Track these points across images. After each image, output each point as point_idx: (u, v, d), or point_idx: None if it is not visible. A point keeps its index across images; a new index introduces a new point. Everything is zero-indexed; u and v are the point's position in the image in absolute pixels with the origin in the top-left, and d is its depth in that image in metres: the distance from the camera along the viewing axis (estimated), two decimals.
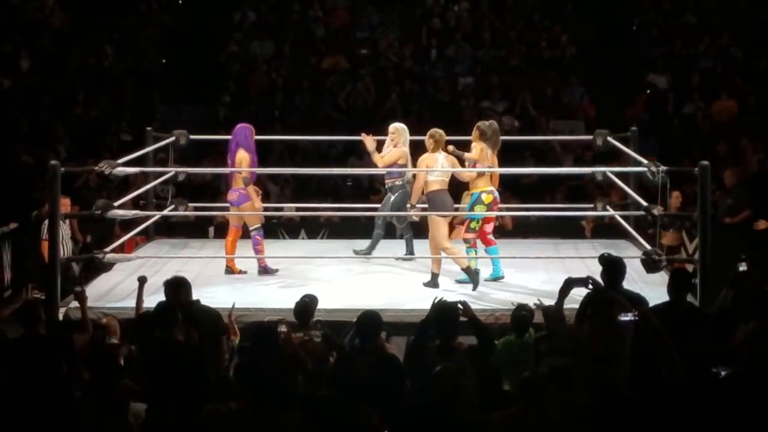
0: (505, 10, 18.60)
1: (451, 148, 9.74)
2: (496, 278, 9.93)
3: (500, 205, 10.20)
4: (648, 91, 16.95)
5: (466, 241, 9.77)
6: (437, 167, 9.61)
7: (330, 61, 17.65)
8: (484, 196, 9.67)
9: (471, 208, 9.74)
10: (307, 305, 7.77)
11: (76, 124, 15.97)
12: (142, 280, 8.19)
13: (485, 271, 9.90)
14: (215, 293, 9.23)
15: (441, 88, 17.13)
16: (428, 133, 9.80)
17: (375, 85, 17.16)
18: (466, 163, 9.77)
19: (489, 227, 9.96)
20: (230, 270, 10.17)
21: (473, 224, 9.77)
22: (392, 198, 10.30)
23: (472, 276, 9.55)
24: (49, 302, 8.68)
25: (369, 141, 10.30)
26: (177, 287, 7.57)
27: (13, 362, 6.88)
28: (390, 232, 10.94)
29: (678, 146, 15.36)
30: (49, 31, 17.46)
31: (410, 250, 10.65)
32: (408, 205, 10.09)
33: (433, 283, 9.64)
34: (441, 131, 9.81)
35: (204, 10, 18.57)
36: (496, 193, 9.78)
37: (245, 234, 10.18)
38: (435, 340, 6.79)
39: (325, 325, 7.92)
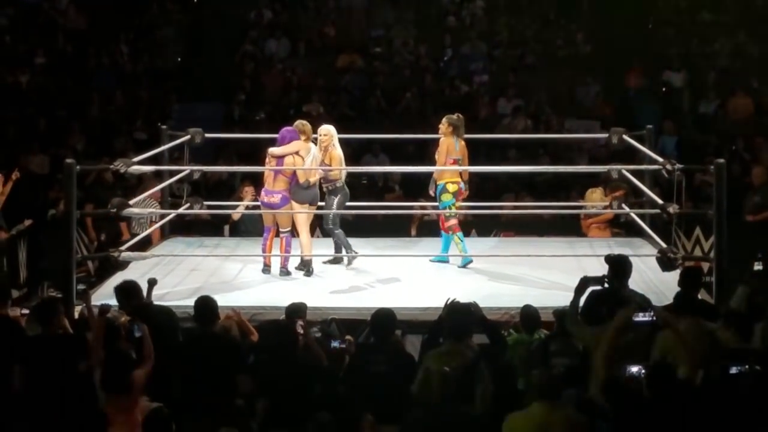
0: (521, 9, 18.57)
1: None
2: (440, 260, 10.34)
3: (517, 204, 10.23)
4: (664, 89, 16.93)
5: (450, 229, 10.16)
6: (308, 158, 9.81)
7: (345, 59, 17.65)
8: (449, 186, 10.08)
9: (438, 199, 10.17)
10: (295, 306, 7.69)
11: (92, 122, 16.01)
12: (151, 283, 8.15)
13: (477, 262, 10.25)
14: (230, 292, 9.24)
15: (456, 86, 17.10)
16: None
17: (390, 83, 17.15)
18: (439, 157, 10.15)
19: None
20: (267, 267, 10.12)
21: (447, 213, 10.19)
22: (335, 200, 10.16)
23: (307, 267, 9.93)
24: (66, 300, 8.68)
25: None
26: (127, 292, 7.55)
27: (33, 360, 6.89)
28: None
29: (694, 144, 15.30)
30: (64, 30, 17.53)
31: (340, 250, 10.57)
32: None
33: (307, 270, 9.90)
34: (306, 122, 10.06)
35: (219, 8, 18.59)
36: (462, 185, 10.17)
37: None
38: (448, 340, 6.79)
39: (339, 324, 7.89)
